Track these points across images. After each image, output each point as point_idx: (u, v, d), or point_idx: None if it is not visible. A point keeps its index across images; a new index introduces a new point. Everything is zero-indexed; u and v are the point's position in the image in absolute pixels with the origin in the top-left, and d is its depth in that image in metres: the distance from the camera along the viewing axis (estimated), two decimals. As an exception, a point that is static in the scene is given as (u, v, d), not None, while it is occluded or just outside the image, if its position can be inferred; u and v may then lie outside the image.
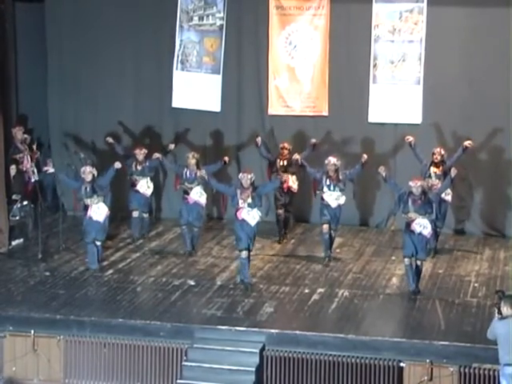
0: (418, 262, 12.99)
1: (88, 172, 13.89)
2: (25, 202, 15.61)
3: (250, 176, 13.27)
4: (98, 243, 13.99)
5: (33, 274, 13.82)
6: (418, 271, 13.04)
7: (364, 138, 16.42)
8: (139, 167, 15.39)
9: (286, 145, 15.63)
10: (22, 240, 15.37)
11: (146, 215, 15.67)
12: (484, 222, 16.20)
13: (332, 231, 14.48)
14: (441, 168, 14.61)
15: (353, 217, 16.49)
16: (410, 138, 14.82)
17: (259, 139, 15.56)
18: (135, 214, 15.50)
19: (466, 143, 14.74)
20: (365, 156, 14.44)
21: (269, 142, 16.57)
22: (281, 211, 15.60)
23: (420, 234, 12.88)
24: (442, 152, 14.67)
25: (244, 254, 13.21)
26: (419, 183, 12.94)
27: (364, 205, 16.63)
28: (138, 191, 15.38)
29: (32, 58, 17.38)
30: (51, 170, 16.79)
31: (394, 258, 14.69)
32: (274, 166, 15.49)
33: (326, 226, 14.38)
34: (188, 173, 14.76)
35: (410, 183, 12.99)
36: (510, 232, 15.96)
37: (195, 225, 14.86)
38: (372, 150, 16.42)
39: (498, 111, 15.65)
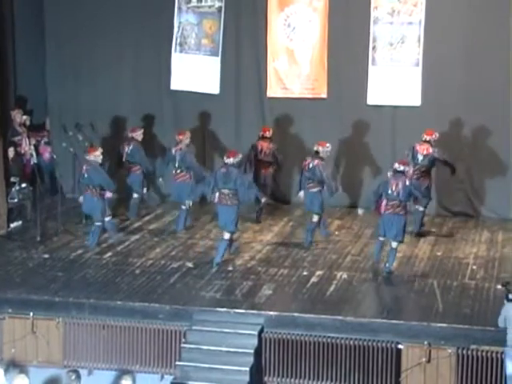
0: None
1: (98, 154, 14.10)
2: (23, 185, 15.60)
3: (234, 159, 13.29)
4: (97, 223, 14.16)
5: (31, 256, 13.83)
6: (391, 253, 13.17)
7: (363, 120, 16.38)
8: None
9: (266, 128, 15.63)
10: (20, 222, 15.37)
11: (136, 195, 15.62)
12: (482, 204, 16.20)
13: (314, 215, 14.24)
14: (429, 148, 14.51)
15: (351, 199, 16.50)
16: None
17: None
18: (135, 195, 15.60)
19: None
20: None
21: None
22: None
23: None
24: (435, 135, 14.57)
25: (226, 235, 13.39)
26: (403, 162, 13.14)
27: (363, 187, 16.61)
28: (134, 172, 15.43)
29: (30, 40, 17.30)
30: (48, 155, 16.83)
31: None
32: (261, 151, 15.40)
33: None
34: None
35: (395, 164, 13.11)
36: (509, 214, 15.96)
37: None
38: (370, 132, 16.41)
39: (497, 93, 15.60)
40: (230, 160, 13.32)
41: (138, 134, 15.53)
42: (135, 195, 15.60)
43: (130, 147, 15.38)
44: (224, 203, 13.30)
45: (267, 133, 15.68)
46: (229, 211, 13.28)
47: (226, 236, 13.41)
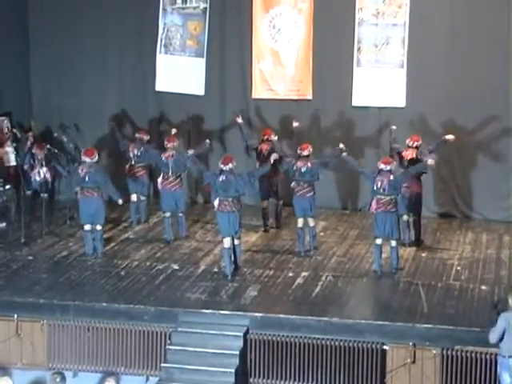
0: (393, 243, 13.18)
1: None
2: (7, 186, 15.53)
3: (232, 165, 12.90)
4: (98, 227, 13.83)
5: (16, 258, 13.77)
6: (392, 251, 13.19)
7: (348, 121, 16.42)
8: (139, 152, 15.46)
9: (268, 131, 15.57)
10: (4, 224, 15.31)
11: (143, 198, 15.67)
12: (466, 205, 16.25)
13: (309, 218, 14.04)
14: (414, 153, 14.32)
15: (336, 201, 16.54)
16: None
17: (240, 120, 15.49)
18: (133, 197, 15.55)
19: (447, 137, 14.50)
20: (341, 146, 13.95)
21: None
22: (266, 202, 15.37)
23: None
24: (417, 139, 14.31)
25: (225, 242, 12.96)
26: (388, 161, 13.12)
27: (347, 188, 16.66)
28: (135, 175, 15.43)
29: (14, 42, 17.19)
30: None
31: (377, 241, 14.71)
32: (261, 153, 15.39)
33: (300, 220, 14.06)
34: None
35: (379, 162, 13.16)
36: (493, 215, 16.02)
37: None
38: (356, 133, 16.44)
39: (482, 94, 15.67)
40: (228, 166, 12.87)
41: (145, 136, 15.55)
42: (142, 197, 15.61)
43: (141, 149, 15.39)
44: (226, 210, 12.84)
45: (266, 136, 15.43)
46: (231, 217, 12.84)
47: (229, 243, 12.93)
